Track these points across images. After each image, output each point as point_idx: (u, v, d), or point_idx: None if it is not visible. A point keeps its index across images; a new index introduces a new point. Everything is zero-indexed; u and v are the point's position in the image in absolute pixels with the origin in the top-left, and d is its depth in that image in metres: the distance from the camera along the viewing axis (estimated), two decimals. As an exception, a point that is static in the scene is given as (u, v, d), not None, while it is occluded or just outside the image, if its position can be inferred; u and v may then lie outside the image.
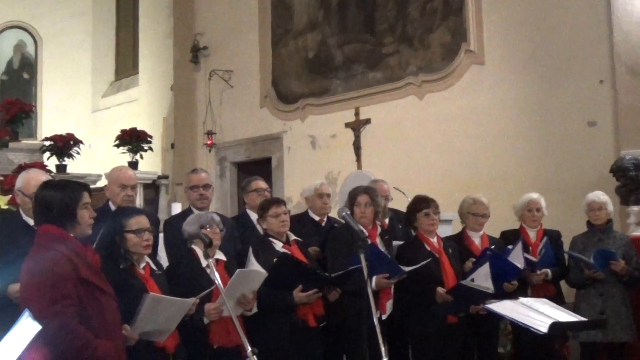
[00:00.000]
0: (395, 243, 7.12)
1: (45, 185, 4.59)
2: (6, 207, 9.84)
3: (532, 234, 7.51)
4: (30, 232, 5.10)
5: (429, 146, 11.31)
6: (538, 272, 7.16)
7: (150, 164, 14.77)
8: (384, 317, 6.35)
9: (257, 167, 13.57)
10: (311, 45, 13.20)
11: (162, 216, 12.01)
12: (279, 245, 6.27)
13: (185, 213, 6.67)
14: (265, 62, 13.99)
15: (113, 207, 6.33)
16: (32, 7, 17.90)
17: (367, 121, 12.12)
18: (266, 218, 6.36)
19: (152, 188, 14.52)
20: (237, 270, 5.56)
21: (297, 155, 13.28)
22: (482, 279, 6.51)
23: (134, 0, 18.01)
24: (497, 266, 6.56)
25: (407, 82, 11.65)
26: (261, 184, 7.42)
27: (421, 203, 6.96)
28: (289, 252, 6.19)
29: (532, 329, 5.09)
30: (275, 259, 6.05)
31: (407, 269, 6.36)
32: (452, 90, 11.22)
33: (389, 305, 6.61)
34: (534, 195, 7.55)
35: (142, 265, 5.31)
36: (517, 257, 6.86)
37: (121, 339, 4.57)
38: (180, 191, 13.15)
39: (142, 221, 5.26)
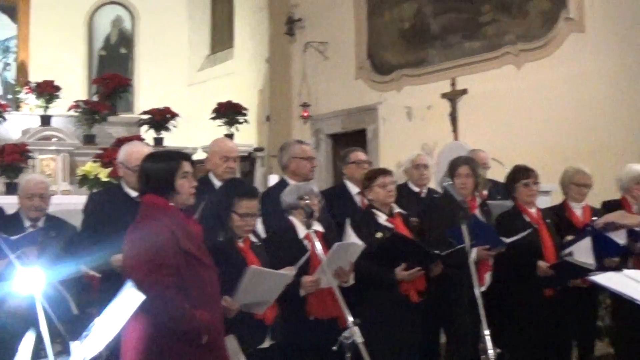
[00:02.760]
0: (495, 203, 7.08)
1: (148, 157, 4.66)
2: (107, 179, 10.05)
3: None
4: (132, 204, 5.19)
5: (527, 116, 11.12)
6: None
7: (246, 136, 14.84)
8: (483, 288, 6.27)
9: (352, 138, 13.53)
10: (407, 15, 13.07)
11: (258, 188, 12.11)
12: (382, 218, 6.21)
13: (282, 184, 6.66)
14: (360, 33, 13.92)
15: (214, 179, 6.36)
16: (129, -17, 18.18)
17: (464, 91, 11.98)
18: (372, 188, 6.27)
19: (248, 160, 14.61)
20: (336, 243, 5.54)
21: (393, 127, 13.20)
22: (583, 254, 6.40)
23: (229, -27, 18.10)
24: (598, 242, 6.45)
25: (505, 51, 11.46)
26: (361, 155, 7.35)
27: (521, 173, 6.88)
28: (394, 229, 6.15)
29: (636, 302, 4.96)
30: (379, 234, 6.03)
31: (507, 240, 6.28)
32: (551, 59, 10.98)
33: (487, 277, 6.56)
34: None
35: (242, 238, 5.33)
36: (619, 233, 6.70)
37: (220, 310, 4.60)
38: (275, 163, 13.22)
39: (252, 207, 5.22)
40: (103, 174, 10.26)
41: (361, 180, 6.63)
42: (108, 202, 5.82)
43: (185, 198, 4.47)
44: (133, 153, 5.71)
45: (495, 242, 6.31)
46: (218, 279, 4.55)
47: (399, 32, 13.21)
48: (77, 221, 6.22)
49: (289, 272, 5.18)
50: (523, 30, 11.35)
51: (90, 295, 5.77)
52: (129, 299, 3.69)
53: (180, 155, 4.61)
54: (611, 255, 6.59)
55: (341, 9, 14.16)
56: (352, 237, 5.92)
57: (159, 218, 4.30)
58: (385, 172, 6.40)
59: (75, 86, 16.66)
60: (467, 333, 6.33)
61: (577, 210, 7.14)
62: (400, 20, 13.20)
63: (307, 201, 5.67)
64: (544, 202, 7.74)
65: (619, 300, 5.78)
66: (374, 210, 6.27)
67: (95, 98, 14.50)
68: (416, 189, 7.58)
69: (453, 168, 6.64)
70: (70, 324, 4.92)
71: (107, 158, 10.77)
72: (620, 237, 6.64)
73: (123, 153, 5.90)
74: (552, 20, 10.97)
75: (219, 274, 4.56)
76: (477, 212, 6.54)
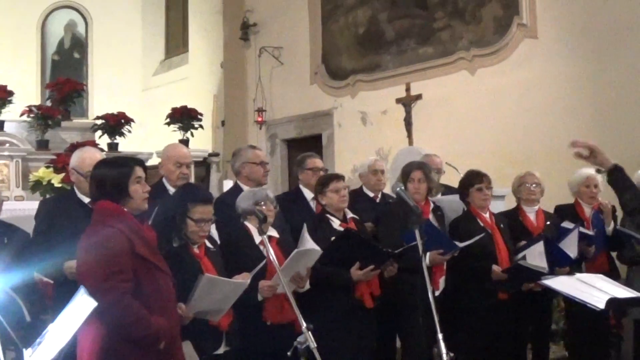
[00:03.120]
0: (442, 198, 7.17)
1: (100, 163, 4.70)
2: (60, 185, 9.94)
3: (587, 210, 7.43)
4: (85, 210, 5.17)
5: (480, 121, 11.21)
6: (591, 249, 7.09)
7: (201, 141, 14.78)
8: (437, 293, 6.32)
9: (308, 144, 13.55)
10: (361, 20, 13.12)
11: (214, 193, 12.04)
12: (336, 223, 6.26)
13: (236, 190, 6.65)
14: (315, 38, 13.94)
15: (168, 185, 6.34)
16: (82, -14, 18.05)
17: (419, 97, 12.03)
18: (326, 193, 6.32)
19: (203, 166, 14.55)
20: (295, 250, 5.55)
21: (348, 132, 13.23)
22: (536, 257, 6.48)
23: (183, -23, 18.06)
24: (550, 251, 6.54)
25: (459, 56, 11.56)
26: (318, 162, 7.34)
27: (474, 178, 6.94)
28: (350, 229, 6.18)
29: (588, 305, 5.02)
30: (334, 236, 6.05)
31: (461, 244, 6.33)
32: (505, 65, 11.10)
33: (442, 281, 6.61)
34: (592, 171, 7.42)
35: (197, 244, 5.31)
36: (571, 244, 6.78)
37: (176, 316, 4.60)
38: (231, 167, 13.22)
39: (206, 212, 5.20)
40: (56, 180, 10.13)
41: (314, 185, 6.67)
42: (61, 208, 5.77)
43: (139, 203, 4.49)
44: (86, 159, 5.69)
45: (449, 246, 6.36)
46: (173, 284, 4.55)
47: (354, 37, 13.26)
48: (30, 227, 6.16)
49: (244, 280, 5.18)
50: (477, 36, 11.46)
51: (44, 302, 5.72)
52: (82, 306, 3.68)
53: (133, 161, 4.62)
54: (562, 266, 6.67)
55: (296, 14, 14.18)
56: (309, 243, 5.92)
57: (112, 224, 4.30)
58: (337, 177, 6.45)
59: (29, 91, 16.49)
60: (421, 338, 6.36)
61: (531, 215, 7.23)
62: (354, 26, 13.24)
63: (263, 207, 5.68)
64: (498, 206, 7.82)
65: (573, 304, 5.84)
66: (328, 216, 6.30)
67: (48, 103, 14.33)
68: (371, 194, 7.58)
69: (406, 173, 6.68)
70: (24, 331, 4.87)
71: (60, 163, 10.64)
72: (571, 250, 6.73)
73: (75, 159, 5.86)
74: (505, 26, 11.09)
75: (174, 280, 4.56)
76: (430, 216, 6.59)
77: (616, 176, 5.00)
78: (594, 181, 7.34)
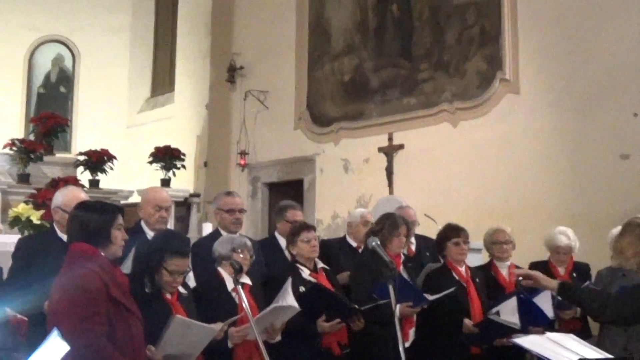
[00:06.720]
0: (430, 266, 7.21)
1: (82, 205, 4.72)
2: (39, 222, 9.90)
3: (561, 269, 7.50)
4: (65, 249, 5.16)
5: (461, 173, 11.27)
6: (567, 311, 7.11)
7: (183, 181, 14.83)
8: (406, 344, 6.31)
9: (289, 188, 13.58)
10: (347, 68, 13.20)
11: (193, 234, 12.05)
12: (306, 273, 6.30)
13: (214, 235, 6.66)
14: (300, 84, 14.01)
15: (146, 228, 6.36)
16: (71, 22, 18.07)
17: (401, 146, 12.09)
18: (297, 243, 6.37)
19: (184, 206, 14.57)
20: (273, 305, 5.57)
21: (330, 178, 13.25)
22: (509, 313, 6.49)
23: (172, 18, 18.16)
24: (524, 308, 6.55)
25: (442, 108, 11.62)
26: (299, 216, 7.35)
27: (451, 232, 6.99)
28: (317, 282, 6.21)
29: (560, 366, 5.05)
30: (302, 288, 6.07)
31: (430, 297, 6.36)
32: (486, 119, 11.16)
33: (411, 333, 6.63)
34: (563, 241, 7.48)
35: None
36: (545, 301, 6.80)
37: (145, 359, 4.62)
38: (211, 210, 13.23)
39: (182, 265, 5.19)
40: (35, 217, 10.09)
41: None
42: (40, 247, 5.77)
43: (116, 249, 4.57)
44: (73, 198, 5.71)
45: (418, 299, 6.39)
46: (144, 328, 4.57)
47: (339, 84, 13.32)
48: (6, 264, 6.14)
49: (217, 326, 5.18)
50: (460, 89, 11.53)
51: (16, 339, 5.70)
52: (54, 349, 3.69)
53: (116, 208, 4.72)
54: (537, 325, 6.67)
55: (283, 59, 14.25)
56: (290, 296, 5.88)
57: (87, 265, 4.33)
58: (308, 227, 6.51)
59: (13, 123, 16.57)
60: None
61: (503, 270, 7.29)
62: (340, 73, 13.31)
63: (240, 254, 5.70)
64: (475, 259, 7.87)
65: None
66: (298, 265, 6.34)
67: (32, 137, 14.36)
68: (354, 244, 7.62)
69: (394, 227, 6.69)
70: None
71: (40, 199, 10.64)
72: (546, 308, 6.75)
73: (61, 197, 5.88)
74: (488, 81, 11.17)
75: (144, 324, 4.59)
76: (401, 269, 6.62)
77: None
78: (563, 250, 7.43)
